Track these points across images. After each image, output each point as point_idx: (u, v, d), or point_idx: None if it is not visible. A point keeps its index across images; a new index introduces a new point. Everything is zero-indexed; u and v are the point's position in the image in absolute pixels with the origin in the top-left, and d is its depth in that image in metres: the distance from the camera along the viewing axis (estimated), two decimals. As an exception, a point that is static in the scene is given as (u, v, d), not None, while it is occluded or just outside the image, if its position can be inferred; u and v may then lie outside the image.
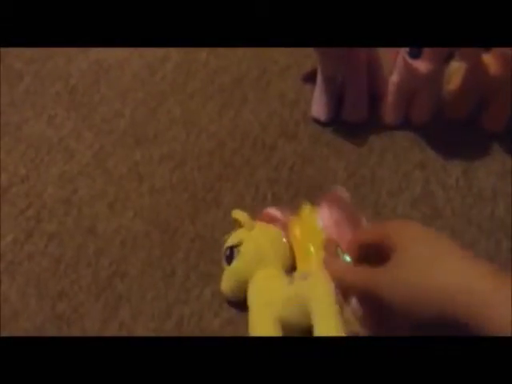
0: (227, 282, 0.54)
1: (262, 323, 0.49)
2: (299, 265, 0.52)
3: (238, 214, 0.55)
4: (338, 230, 0.51)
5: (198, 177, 0.65)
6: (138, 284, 0.57)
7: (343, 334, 0.43)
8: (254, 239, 0.53)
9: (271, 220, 0.56)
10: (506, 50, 0.57)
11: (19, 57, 0.79)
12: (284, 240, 0.54)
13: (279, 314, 0.48)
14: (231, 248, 0.53)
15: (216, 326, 0.53)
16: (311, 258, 0.51)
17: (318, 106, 0.68)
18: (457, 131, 0.67)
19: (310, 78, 0.71)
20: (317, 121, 0.68)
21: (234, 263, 0.53)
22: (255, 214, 0.56)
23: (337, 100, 0.68)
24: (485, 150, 0.66)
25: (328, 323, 0.44)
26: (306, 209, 0.55)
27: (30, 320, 0.55)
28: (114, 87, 0.75)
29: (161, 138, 0.69)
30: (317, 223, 0.52)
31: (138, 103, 0.73)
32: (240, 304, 0.53)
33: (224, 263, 0.54)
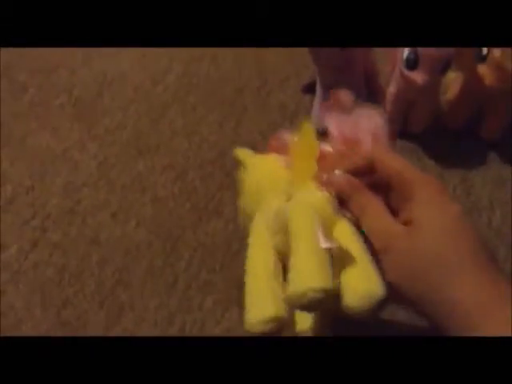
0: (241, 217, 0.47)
1: (256, 254, 0.41)
2: (297, 188, 0.44)
3: (239, 153, 0.48)
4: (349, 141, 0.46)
5: (199, 186, 0.66)
6: (140, 293, 0.58)
7: (315, 256, 0.36)
8: (250, 176, 0.46)
9: (278, 147, 0.48)
10: (501, 61, 0.58)
11: (23, 69, 0.80)
12: (282, 166, 0.45)
13: (272, 242, 0.41)
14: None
15: (218, 334, 0.54)
16: (307, 179, 0.43)
17: (318, 117, 0.69)
18: (454, 140, 0.68)
19: (310, 88, 0.72)
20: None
21: (239, 202, 0.46)
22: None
23: (336, 110, 0.69)
24: (482, 158, 0.67)
25: (300, 245, 0.37)
26: (305, 125, 0.47)
27: (34, 328, 0.56)
28: (117, 99, 0.76)
29: (163, 148, 0.70)
30: (315, 140, 0.46)
31: (140, 114, 0.74)
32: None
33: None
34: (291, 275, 0.35)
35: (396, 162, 0.38)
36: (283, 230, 0.39)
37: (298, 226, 0.38)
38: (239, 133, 0.71)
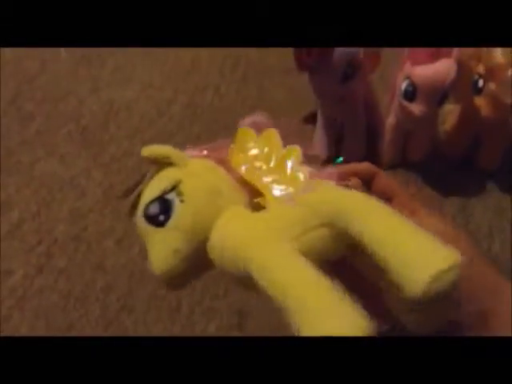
0: (167, 253, 0.33)
1: (285, 262, 0.30)
2: (266, 193, 0.36)
3: (158, 150, 0.37)
4: None
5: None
6: (144, 318, 0.58)
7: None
8: (197, 174, 0.36)
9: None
10: (497, 93, 0.60)
11: (31, 98, 0.83)
12: (227, 174, 0.37)
13: (299, 244, 0.32)
14: (162, 198, 0.34)
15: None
16: (283, 178, 0.37)
17: (319, 146, 0.71)
18: (453, 169, 0.70)
19: (311, 119, 0.74)
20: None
21: (177, 215, 0.33)
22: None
23: (336, 140, 0.70)
24: (481, 187, 0.68)
25: (381, 219, 0.30)
26: (241, 132, 0.40)
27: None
28: (124, 127, 0.78)
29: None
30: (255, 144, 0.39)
31: (146, 143, 0.75)
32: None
33: (147, 226, 0.34)
34: (402, 264, 0.28)
35: (394, 183, 0.39)
36: (324, 223, 0.32)
37: (368, 208, 0.31)
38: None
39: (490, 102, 0.61)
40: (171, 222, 0.33)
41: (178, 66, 0.88)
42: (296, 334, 0.27)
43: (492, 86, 0.60)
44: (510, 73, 0.58)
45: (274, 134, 0.39)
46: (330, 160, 0.43)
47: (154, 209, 0.33)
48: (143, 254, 0.63)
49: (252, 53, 0.89)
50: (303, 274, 0.29)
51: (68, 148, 0.75)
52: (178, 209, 0.33)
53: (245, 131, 0.39)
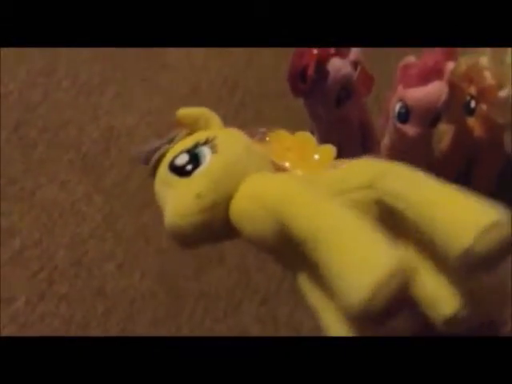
0: (188, 197, 0.32)
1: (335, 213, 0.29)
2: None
3: (196, 111, 0.37)
4: None
5: (202, 237, 0.68)
6: (145, 343, 0.59)
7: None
8: (233, 134, 0.36)
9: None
10: (489, 114, 0.61)
11: (33, 126, 0.84)
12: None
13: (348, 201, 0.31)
14: (192, 150, 0.33)
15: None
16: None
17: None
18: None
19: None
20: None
21: (207, 164, 0.32)
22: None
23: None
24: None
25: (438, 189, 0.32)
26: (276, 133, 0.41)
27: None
28: (124, 153, 0.79)
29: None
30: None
31: (146, 168, 0.77)
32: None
33: (170, 177, 0.33)
34: (450, 220, 0.28)
35: None
36: (363, 186, 0.32)
37: (408, 172, 0.33)
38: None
39: (482, 122, 0.62)
40: (199, 170, 0.32)
41: (176, 91, 0.89)
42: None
43: (484, 106, 0.61)
44: (501, 94, 0.59)
45: (308, 136, 0.41)
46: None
47: (182, 159, 0.33)
48: (143, 278, 0.64)
49: (250, 77, 0.91)
50: (352, 222, 0.28)
51: (69, 175, 0.77)
52: (208, 158, 0.32)
53: (280, 133, 0.41)
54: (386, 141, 0.68)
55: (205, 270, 0.64)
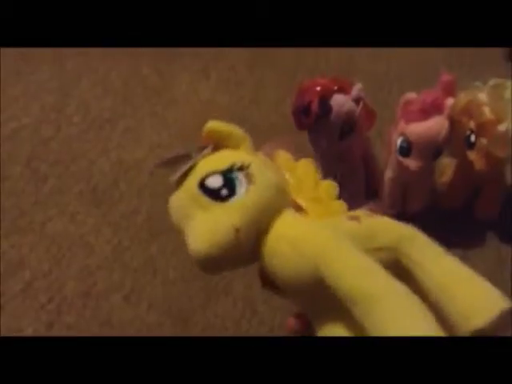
0: (226, 227, 0.31)
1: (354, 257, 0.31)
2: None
3: (227, 128, 0.36)
4: None
5: (209, 268, 0.69)
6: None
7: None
8: (267, 165, 0.35)
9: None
10: (489, 148, 0.62)
11: (44, 160, 0.86)
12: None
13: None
14: (226, 173, 0.32)
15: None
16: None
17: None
18: (453, 221, 0.72)
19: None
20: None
21: (245, 194, 0.32)
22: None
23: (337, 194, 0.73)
24: (480, 238, 0.70)
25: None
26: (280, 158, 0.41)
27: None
28: (133, 185, 0.81)
29: (174, 231, 0.74)
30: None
31: (154, 200, 0.79)
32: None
33: (202, 197, 0.32)
34: (468, 304, 0.32)
35: None
36: (383, 247, 0.34)
37: (427, 241, 0.36)
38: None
39: (483, 155, 0.64)
40: (237, 199, 0.32)
41: (185, 126, 0.92)
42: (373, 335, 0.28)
43: (484, 140, 0.63)
44: (500, 128, 0.60)
45: (309, 165, 0.41)
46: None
47: (216, 182, 0.32)
48: (150, 309, 0.65)
49: (255, 112, 0.93)
50: (386, 282, 0.29)
51: (79, 207, 0.78)
52: (245, 189, 0.32)
53: (284, 156, 0.40)
54: (388, 173, 0.70)
55: (211, 302, 0.65)
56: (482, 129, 0.62)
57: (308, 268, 0.31)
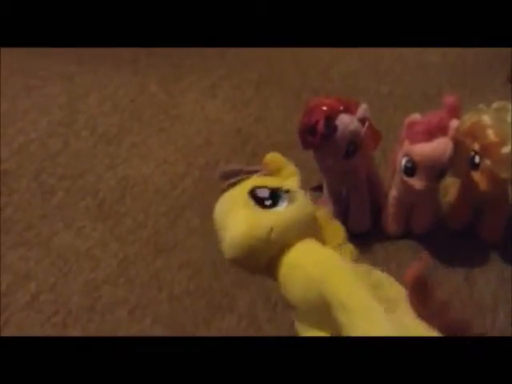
0: (265, 225, 0.39)
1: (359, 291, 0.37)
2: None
3: (283, 162, 0.45)
4: None
5: (214, 283, 0.69)
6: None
7: None
8: (308, 198, 0.43)
9: None
10: (493, 169, 0.63)
11: (53, 174, 0.87)
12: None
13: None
14: (274, 190, 0.40)
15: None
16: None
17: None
18: (457, 241, 0.72)
19: (317, 192, 0.77)
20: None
21: (284, 208, 0.40)
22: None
23: (342, 212, 0.73)
24: (484, 258, 0.70)
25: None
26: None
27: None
28: (139, 201, 0.82)
29: (180, 246, 0.75)
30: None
31: (159, 215, 0.79)
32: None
33: (249, 200, 0.40)
34: None
35: None
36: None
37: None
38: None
39: (486, 176, 0.64)
40: (277, 210, 0.39)
41: (191, 142, 0.93)
42: None
43: (488, 162, 0.63)
44: (503, 150, 0.61)
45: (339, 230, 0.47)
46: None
47: (264, 193, 0.40)
48: (155, 324, 0.65)
49: (261, 130, 0.95)
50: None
51: (85, 221, 0.79)
52: (286, 205, 0.40)
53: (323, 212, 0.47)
54: (393, 192, 0.71)
55: (215, 318, 0.65)
56: (486, 150, 0.63)
57: (315, 293, 0.38)
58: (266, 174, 0.44)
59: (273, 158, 0.45)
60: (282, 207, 0.40)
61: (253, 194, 0.40)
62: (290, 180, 0.44)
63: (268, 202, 0.40)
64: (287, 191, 0.40)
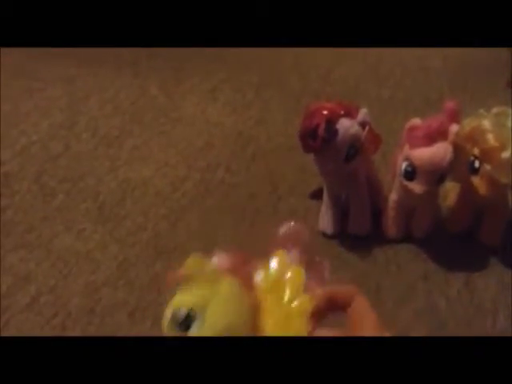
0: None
1: None
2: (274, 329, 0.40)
3: (195, 263, 0.41)
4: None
5: (213, 287, 0.69)
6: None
7: None
8: (222, 301, 0.39)
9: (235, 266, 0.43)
10: (492, 173, 0.63)
11: (53, 177, 0.87)
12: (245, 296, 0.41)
13: None
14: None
15: None
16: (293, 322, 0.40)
17: (325, 221, 0.74)
18: (457, 245, 0.72)
19: (317, 195, 0.78)
20: (324, 234, 0.74)
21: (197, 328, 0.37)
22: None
23: (342, 215, 0.74)
24: (484, 262, 0.70)
25: None
26: (279, 255, 0.43)
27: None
28: (139, 203, 0.82)
29: (180, 249, 0.75)
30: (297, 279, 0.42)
31: (159, 218, 0.79)
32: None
33: (172, 328, 0.38)
34: None
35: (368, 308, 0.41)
36: None
37: None
38: (252, 235, 0.75)
39: (486, 181, 0.65)
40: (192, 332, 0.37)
41: (191, 145, 0.93)
42: None
43: (487, 166, 0.63)
44: (503, 155, 0.61)
45: (298, 276, 0.42)
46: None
47: (178, 316, 0.37)
48: (155, 326, 0.65)
49: (261, 133, 0.95)
50: None
51: (86, 223, 0.79)
52: (197, 327, 0.37)
53: (280, 256, 0.43)
54: (393, 196, 0.71)
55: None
56: (486, 155, 0.63)
57: None
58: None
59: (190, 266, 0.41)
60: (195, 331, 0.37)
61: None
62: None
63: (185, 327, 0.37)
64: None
